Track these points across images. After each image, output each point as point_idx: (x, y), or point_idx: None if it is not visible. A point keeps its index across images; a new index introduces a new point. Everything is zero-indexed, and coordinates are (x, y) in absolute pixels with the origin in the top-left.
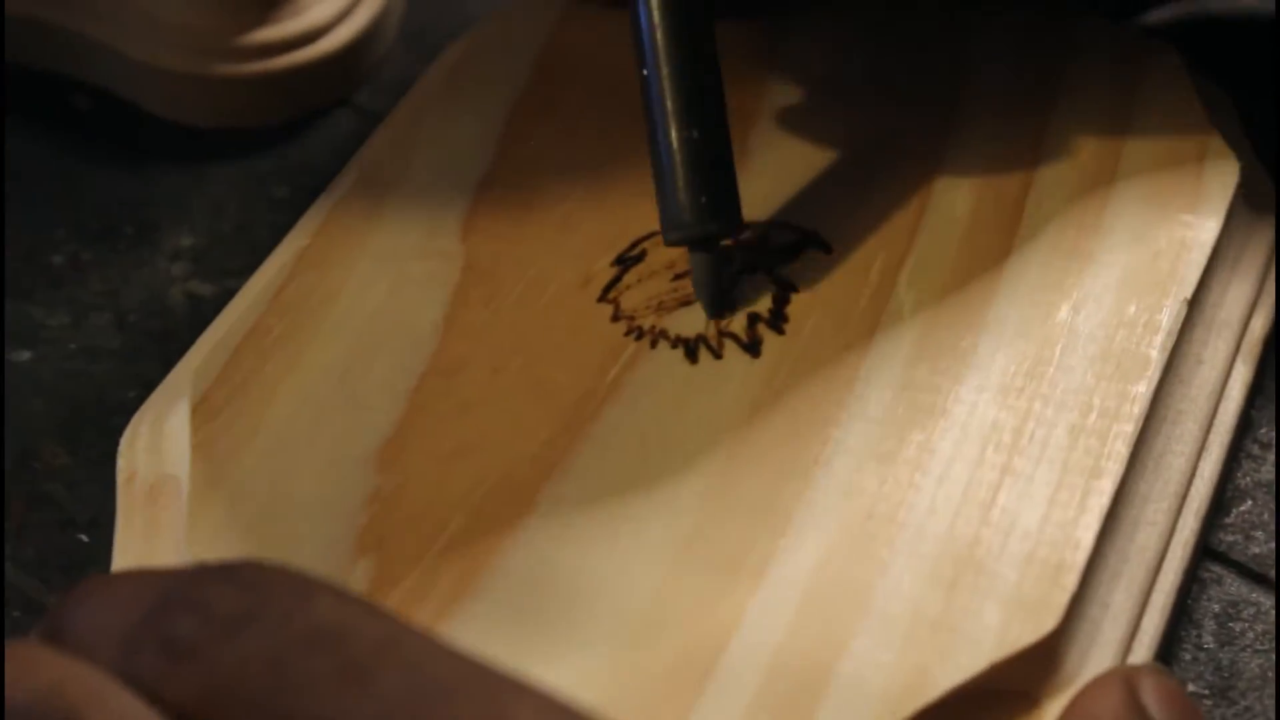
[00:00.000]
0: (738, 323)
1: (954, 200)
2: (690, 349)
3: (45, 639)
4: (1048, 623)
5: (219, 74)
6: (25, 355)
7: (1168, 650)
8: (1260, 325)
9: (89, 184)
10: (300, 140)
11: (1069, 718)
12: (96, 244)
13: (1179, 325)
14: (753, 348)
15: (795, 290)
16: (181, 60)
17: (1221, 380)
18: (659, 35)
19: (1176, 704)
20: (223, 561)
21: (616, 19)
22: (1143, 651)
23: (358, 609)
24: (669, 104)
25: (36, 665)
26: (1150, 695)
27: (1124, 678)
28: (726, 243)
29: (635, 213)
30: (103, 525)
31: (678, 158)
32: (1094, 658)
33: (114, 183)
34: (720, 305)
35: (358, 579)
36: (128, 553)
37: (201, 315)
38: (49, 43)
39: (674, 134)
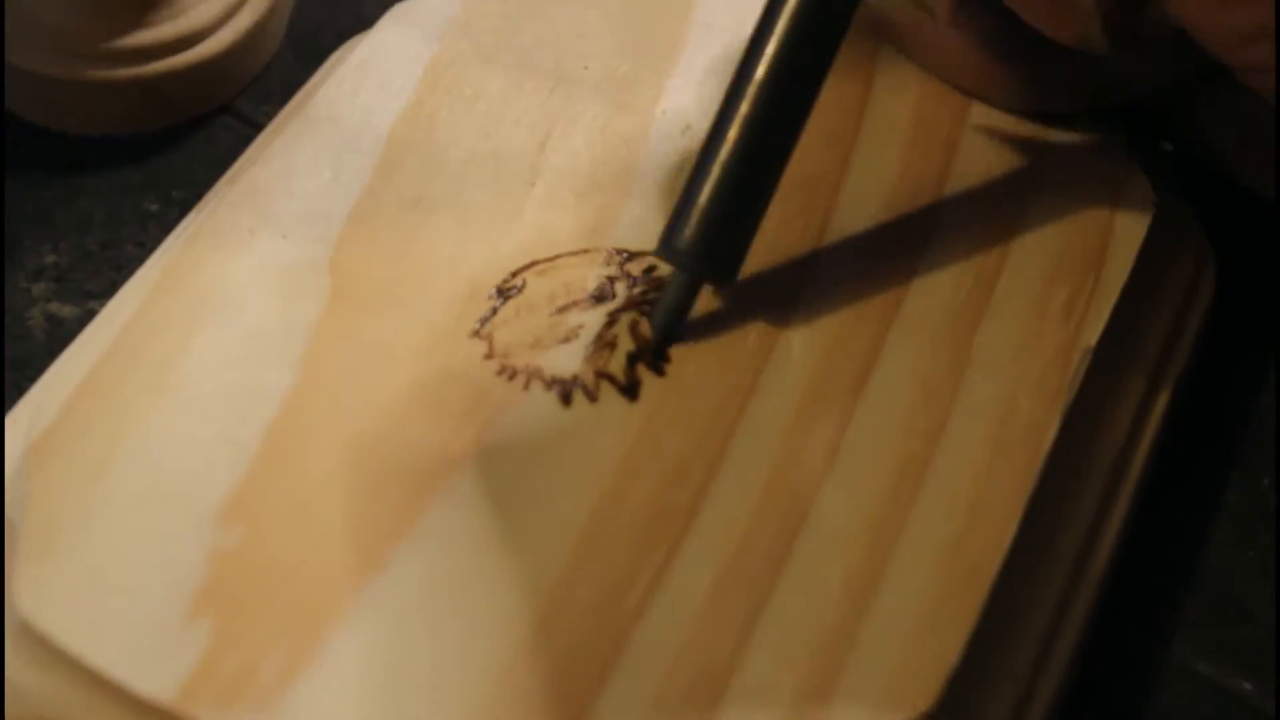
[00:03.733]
0: (616, 362)
1: (852, 241)
2: (565, 391)
3: None
4: (920, 705)
5: (91, 78)
6: None
7: None
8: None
9: None
10: (176, 150)
11: None
12: None
13: (1078, 384)
14: (630, 390)
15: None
16: (51, 63)
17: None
18: (780, 50)
19: None
20: None
21: (511, 31)
22: None
23: None
24: (744, 128)
25: None
26: None
27: None
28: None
29: (517, 243)
30: None
31: (723, 186)
32: None
33: None
34: (668, 335)
35: (194, 640)
36: None
37: (62, 340)
38: None
39: (733, 161)
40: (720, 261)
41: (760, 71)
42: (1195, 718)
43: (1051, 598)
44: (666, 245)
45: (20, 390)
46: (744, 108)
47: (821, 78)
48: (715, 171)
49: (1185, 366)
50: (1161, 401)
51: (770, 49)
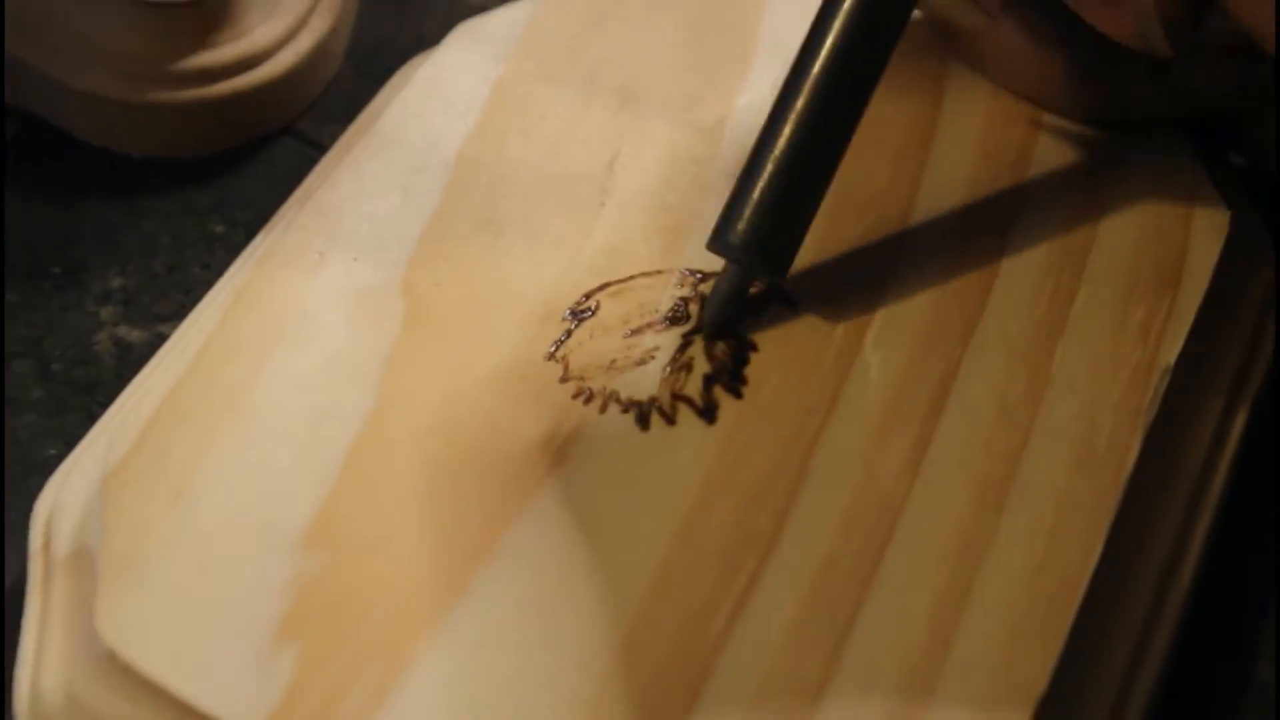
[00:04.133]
0: (692, 384)
1: (926, 259)
2: (642, 414)
3: None
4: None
5: (153, 100)
6: None
7: None
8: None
9: (16, 217)
10: (238, 172)
11: None
12: (22, 284)
13: (1158, 403)
14: (708, 413)
15: (755, 349)
16: (115, 86)
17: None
18: (831, 54)
19: None
20: None
21: (577, 50)
22: None
23: None
24: (799, 124)
25: None
26: None
27: None
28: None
29: (589, 264)
30: (21, 593)
31: (776, 181)
32: None
33: (42, 217)
34: (720, 330)
35: (282, 667)
36: (37, 628)
37: (130, 364)
38: None
39: (787, 156)
40: (772, 256)
41: (816, 68)
42: None
43: (1137, 618)
44: (719, 238)
45: (91, 414)
46: (799, 103)
47: (877, 75)
48: (769, 166)
49: (1263, 383)
50: (1240, 419)
51: (827, 45)
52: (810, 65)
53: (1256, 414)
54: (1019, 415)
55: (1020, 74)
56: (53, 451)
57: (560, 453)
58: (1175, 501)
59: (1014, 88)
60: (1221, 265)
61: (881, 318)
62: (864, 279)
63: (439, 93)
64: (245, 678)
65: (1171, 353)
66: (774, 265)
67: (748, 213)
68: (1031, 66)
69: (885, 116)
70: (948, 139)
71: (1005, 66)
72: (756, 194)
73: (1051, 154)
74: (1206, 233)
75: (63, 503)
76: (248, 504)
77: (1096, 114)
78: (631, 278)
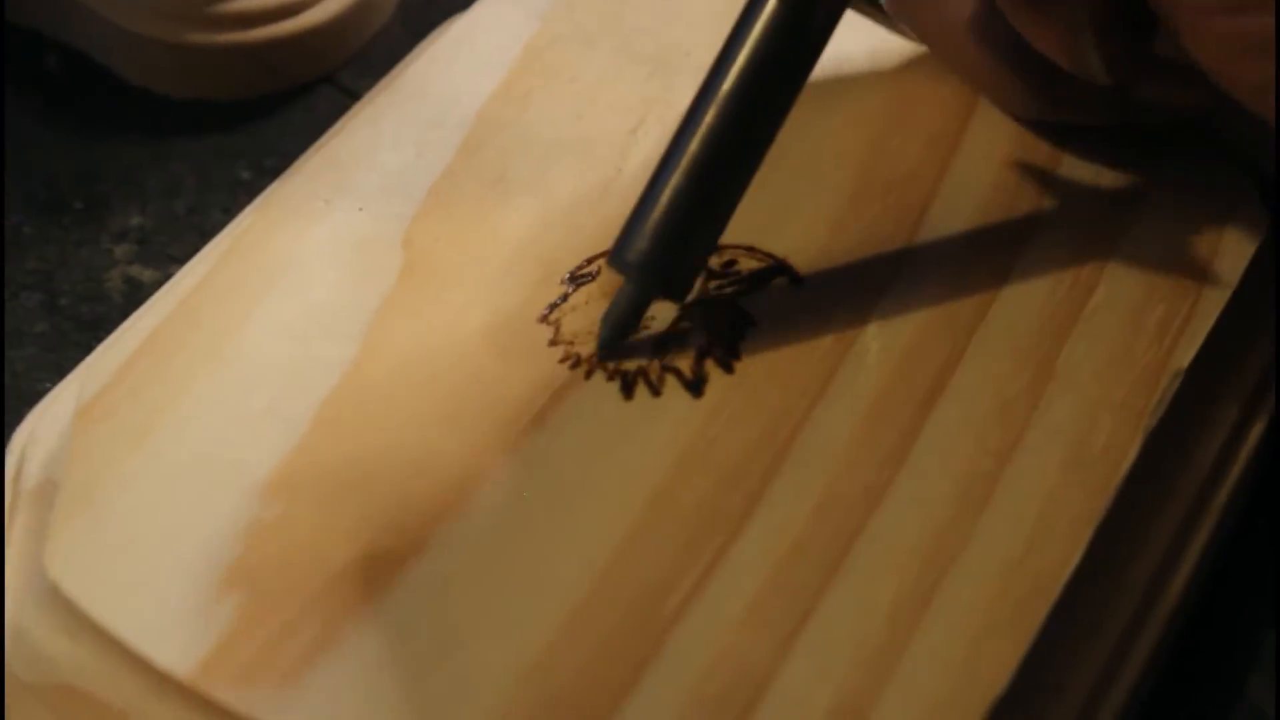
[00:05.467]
0: (684, 356)
1: (943, 247)
2: (627, 383)
3: None
4: None
5: (192, 42)
6: None
7: None
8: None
9: (45, 151)
10: (273, 118)
11: None
12: (40, 217)
13: (1165, 407)
14: (695, 386)
15: (754, 324)
16: (153, 24)
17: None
18: (742, 68)
19: None
20: None
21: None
22: None
23: None
24: (705, 142)
25: None
26: None
27: None
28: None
29: (597, 229)
30: None
31: (674, 202)
32: None
33: (71, 152)
34: (613, 349)
35: (222, 614)
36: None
37: (138, 303)
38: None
39: (691, 175)
40: (670, 278)
41: (727, 84)
42: None
43: (1116, 630)
44: (617, 255)
45: (89, 352)
46: (707, 119)
47: (792, 97)
48: (672, 184)
49: None
50: (1255, 431)
51: (740, 59)
52: (721, 79)
53: (1275, 428)
54: (1016, 410)
55: (974, 74)
56: (47, 385)
57: (540, 416)
58: (1173, 511)
59: (971, 85)
60: (1252, 269)
61: (887, 303)
62: (875, 262)
63: (470, 48)
64: (183, 622)
65: (1186, 355)
66: (673, 287)
67: (647, 232)
68: (987, 71)
69: (924, 97)
70: (984, 126)
71: (961, 66)
72: (657, 214)
73: (1085, 151)
74: (1240, 235)
75: (38, 435)
76: (211, 449)
77: (1047, 118)
78: None
